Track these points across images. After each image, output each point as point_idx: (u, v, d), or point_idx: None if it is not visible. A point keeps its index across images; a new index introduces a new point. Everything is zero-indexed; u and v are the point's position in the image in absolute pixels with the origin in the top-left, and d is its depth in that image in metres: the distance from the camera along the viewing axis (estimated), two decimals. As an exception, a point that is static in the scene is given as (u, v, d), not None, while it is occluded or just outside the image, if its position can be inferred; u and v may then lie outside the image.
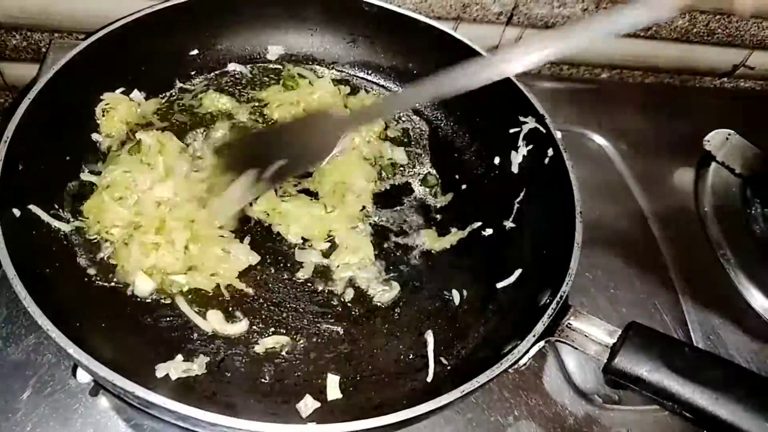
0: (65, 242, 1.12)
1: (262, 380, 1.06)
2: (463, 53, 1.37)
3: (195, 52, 1.42)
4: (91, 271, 1.11)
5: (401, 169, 1.39)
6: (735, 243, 1.51)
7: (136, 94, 1.32)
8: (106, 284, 1.11)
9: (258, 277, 1.18)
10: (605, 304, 1.35)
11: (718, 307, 1.41)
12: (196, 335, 1.09)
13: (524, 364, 1.03)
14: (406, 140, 1.44)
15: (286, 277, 1.19)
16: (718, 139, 1.67)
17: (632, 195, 1.57)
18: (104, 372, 0.86)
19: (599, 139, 1.66)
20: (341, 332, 1.14)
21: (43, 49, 1.56)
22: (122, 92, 1.31)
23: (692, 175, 1.66)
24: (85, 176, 1.20)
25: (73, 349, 0.87)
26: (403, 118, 1.47)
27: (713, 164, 1.67)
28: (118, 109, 1.27)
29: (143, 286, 1.10)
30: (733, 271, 1.47)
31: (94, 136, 1.26)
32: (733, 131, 1.67)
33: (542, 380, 1.22)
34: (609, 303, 1.35)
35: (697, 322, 1.37)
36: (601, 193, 1.54)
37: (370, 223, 1.29)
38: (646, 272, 1.42)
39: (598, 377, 1.23)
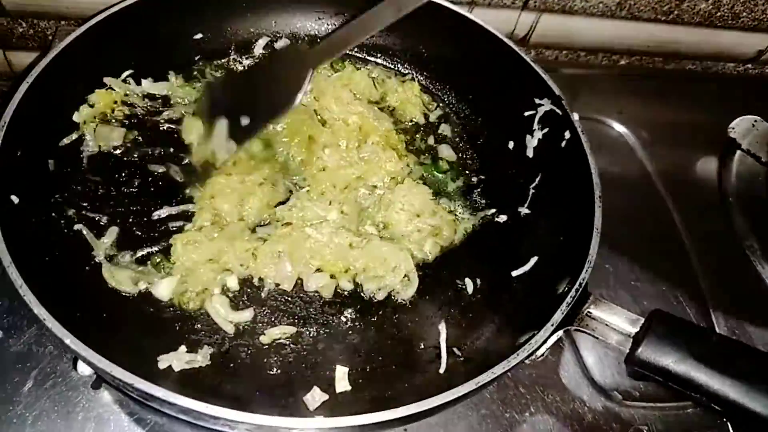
0: (65, 230, 1.11)
1: (269, 372, 1.04)
2: (478, 36, 1.35)
3: (199, 35, 1.40)
4: (93, 261, 1.10)
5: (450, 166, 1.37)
6: (761, 233, 1.49)
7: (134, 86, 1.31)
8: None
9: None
10: (626, 296, 1.32)
11: (743, 299, 1.38)
12: (200, 325, 1.07)
13: (542, 355, 1.01)
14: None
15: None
16: (743, 127, 1.65)
17: (654, 184, 1.54)
18: (103, 363, 0.84)
19: (619, 127, 1.64)
20: (350, 322, 1.12)
21: (50, 37, 1.55)
22: (128, 76, 1.30)
23: (716, 163, 1.63)
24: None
25: (70, 340, 0.85)
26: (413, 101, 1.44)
27: (738, 152, 1.64)
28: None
29: (163, 291, 1.09)
30: (759, 262, 1.44)
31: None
32: (759, 118, 1.65)
33: (560, 375, 1.20)
34: (630, 295, 1.33)
35: (721, 315, 1.34)
36: (621, 182, 1.52)
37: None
38: (668, 264, 1.40)
39: (617, 372, 1.21)
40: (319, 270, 1.15)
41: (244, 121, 1.13)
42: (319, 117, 1.34)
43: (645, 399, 1.19)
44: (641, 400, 1.19)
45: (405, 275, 1.17)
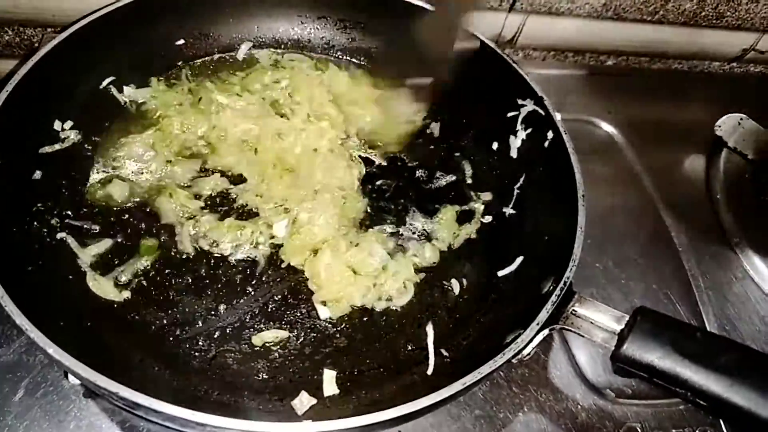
0: (48, 239, 1.10)
1: (256, 377, 1.04)
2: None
3: (182, 41, 1.40)
4: (77, 269, 1.09)
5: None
6: (749, 231, 1.50)
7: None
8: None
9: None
10: (617, 295, 1.33)
11: (732, 296, 1.39)
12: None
13: (528, 354, 1.01)
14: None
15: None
16: (729, 124, 1.65)
17: (642, 183, 1.55)
18: (86, 372, 0.83)
19: (607, 127, 1.65)
20: (337, 326, 1.12)
21: (36, 45, 1.54)
22: (109, 83, 1.29)
23: (703, 161, 1.65)
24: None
25: (53, 349, 0.84)
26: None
27: (725, 150, 1.65)
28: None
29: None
30: (747, 259, 1.45)
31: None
32: (745, 115, 1.66)
33: (552, 374, 1.20)
34: (621, 294, 1.33)
35: (711, 312, 1.34)
36: (610, 182, 1.53)
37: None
38: (658, 262, 1.40)
39: (609, 370, 1.18)
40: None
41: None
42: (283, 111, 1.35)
43: (638, 396, 1.19)
44: (634, 397, 1.19)
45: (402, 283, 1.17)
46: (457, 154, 1.40)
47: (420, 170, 1.35)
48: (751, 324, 1.35)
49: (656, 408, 1.18)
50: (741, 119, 1.65)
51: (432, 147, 1.40)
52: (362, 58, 1.51)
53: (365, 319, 1.14)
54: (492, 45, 1.33)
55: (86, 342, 0.99)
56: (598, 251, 1.37)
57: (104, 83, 1.29)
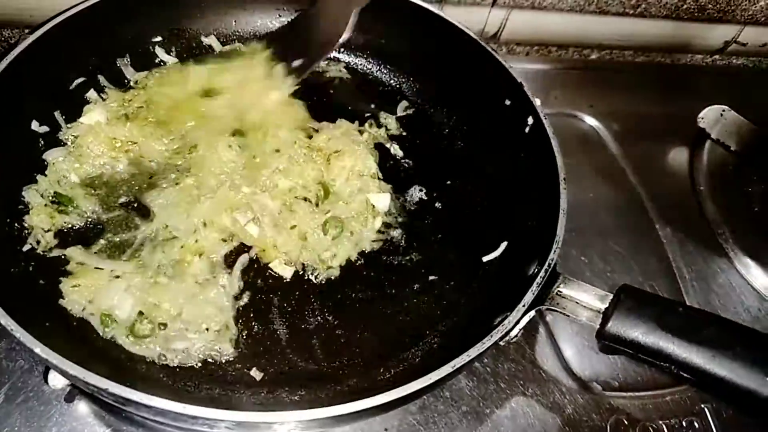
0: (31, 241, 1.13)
1: (245, 370, 1.07)
2: (440, 28, 1.41)
3: (159, 38, 1.43)
4: (62, 270, 1.11)
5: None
6: (733, 221, 1.56)
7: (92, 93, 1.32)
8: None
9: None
10: (601, 287, 1.33)
11: (717, 287, 1.45)
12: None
13: (515, 336, 1.05)
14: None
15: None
16: (712, 116, 1.72)
17: (627, 176, 1.61)
18: (75, 371, 0.85)
19: (591, 121, 1.71)
20: (322, 317, 1.16)
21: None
22: (81, 83, 1.31)
23: (687, 153, 1.71)
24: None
25: (40, 349, 0.86)
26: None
27: (708, 142, 1.71)
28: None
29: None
30: (731, 249, 1.52)
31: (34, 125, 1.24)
32: (727, 107, 1.71)
33: (539, 368, 1.24)
34: (606, 286, 1.34)
35: (695, 303, 1.40)
36: (594, 175, 1.59)
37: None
38: (642, 254, 1.46)
39: (596, 363, 1.26)
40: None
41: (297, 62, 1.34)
42: None
43: (624, 389, 1.24)
44: (620, 389, 1.24)
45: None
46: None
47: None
48: (735, 314, 1.41)
49: (643, 400, 1.23)
50: (723, 111, 1.71)
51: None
52: (342, 51, 1.55)
53: (352, 309, 1.18)
54: (470, 33, 1.37)
55: (74, 340, 1.02)
56: (583, 244, 1.42)
57: (74, 84, 1.31)
